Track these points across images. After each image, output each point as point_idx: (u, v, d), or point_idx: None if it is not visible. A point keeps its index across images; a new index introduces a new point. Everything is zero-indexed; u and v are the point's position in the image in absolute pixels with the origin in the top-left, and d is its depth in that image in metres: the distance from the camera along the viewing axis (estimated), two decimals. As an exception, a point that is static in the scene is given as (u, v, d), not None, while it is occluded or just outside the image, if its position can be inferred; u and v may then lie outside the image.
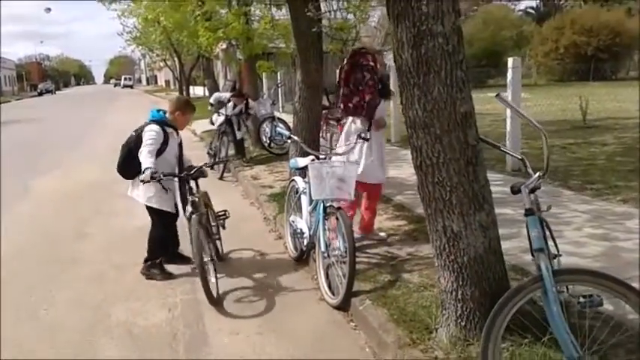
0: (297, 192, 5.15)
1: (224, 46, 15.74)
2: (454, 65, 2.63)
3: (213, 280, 4.33)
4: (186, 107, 4.85)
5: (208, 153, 10.20)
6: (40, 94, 64.59)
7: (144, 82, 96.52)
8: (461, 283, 2.94)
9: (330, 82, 9.03)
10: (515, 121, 7.60)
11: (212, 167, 6.39)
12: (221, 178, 9.22)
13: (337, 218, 4.29)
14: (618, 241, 4.69)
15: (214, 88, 16.17)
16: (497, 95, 2.83)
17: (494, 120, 12.34)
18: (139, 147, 4.48)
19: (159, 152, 4.52)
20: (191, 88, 37.38)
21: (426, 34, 2.56)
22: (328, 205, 4.41)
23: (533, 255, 2.56)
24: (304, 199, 4.91)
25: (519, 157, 3.02)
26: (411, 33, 2.58)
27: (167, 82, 64.67)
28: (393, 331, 3.41)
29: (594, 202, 5.92)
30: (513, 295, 2.40)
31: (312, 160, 4.71)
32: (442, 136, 2.71)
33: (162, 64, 42.83)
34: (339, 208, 4.31)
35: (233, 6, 9.34)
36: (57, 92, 72.04)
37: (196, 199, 4.55)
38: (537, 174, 2.67)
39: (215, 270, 4.42)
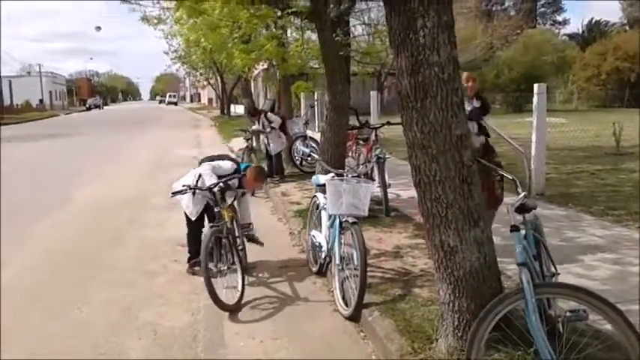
0: (317, 207, 5.39)
1: (265, 66, 16.26)
2: (449, 92, 2.86)
3: (226, 286, 4.62)
4: (257, 179, 5.43)
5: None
6: (89, 108, 67.07)
7: (188, 99, 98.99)
8: (457, 295, 3.12)
9: (360, 103, 9.30)
10: (540, 146, 7.69)
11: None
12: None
13: (352, 233, 4.52)
14: (630, 266, 4.77)
15: (252, 107, 16.68)
16: (484, 117, 3.04)
17: (521, 144, 12.32)
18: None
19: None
20: (232, 106, 38.32)
21: (423, 63, 2.81)
22: (344, 220, 4.64)
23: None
24: (324, 215, 5.15)
25: (511, 178, 3.19)
26: (410, 62, 2.83)
27: (210, 100, 66.26)
28: (397, 340, 3.61)
29: (613, 228, 5.97)
30: (496, 305, 2.59)
31: (333, 177, 4.96)
32: (438, 156, 2.93)
33: (205, 82, 44.00)
34: (354, 223, 4.53)
35: (270, 29, 9.73)
36: (105, 107, 74.56)
37: (219, 211, 4.86)
38: (522, 194, 2.85)
39: (243, 277, 4.71)
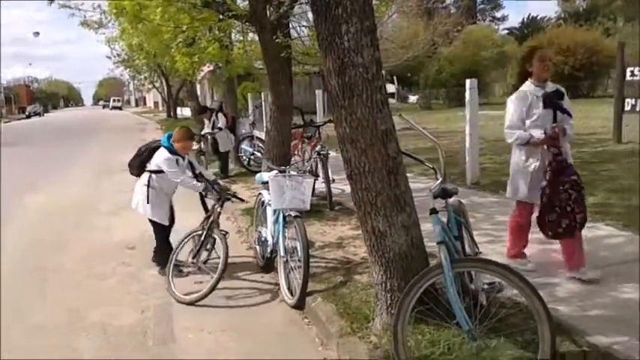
0: (263, 204, 5.61)
1: (211, 67, 16.29)
2: (374, 90, 3.13)
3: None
4: (184, 139, 5.35)
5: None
6: (29, 116, 64.84)
7: (133, 103, 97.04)
8: (389, 275, 3.41)
9: (308, 102, 9.52)
10: (474, 138, 8.12)
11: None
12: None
13: (295, 226, 4.76)
14: (550, 244, 5.17)
15: (198, 109, 16.70)
16: (400, 115, 3.33)
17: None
18: (149, 158, 5.45)
19: (162, 171, 5.28)
20: (179, 109, 37.94)
21: (349, 65, 3.07)
22: (287, 214, 4.88)
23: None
24: (269, 211, 5.36)
25: (431, 167, 3.49)
26: (337, 64, 3.09)
27: (156, 104, 65.28)
28: (338, 322, 3.88)
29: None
30: (418, 280, 2.88)
31: (276, 174, 5.18)
32: (366, 149, 3.20)
33: (150, 86, 43.38)
34: (296, 217, 4.77)
35: (213, 31, 9.84)
36: (45, 114, 72.26)
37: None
38: (439, 180, 3.15)
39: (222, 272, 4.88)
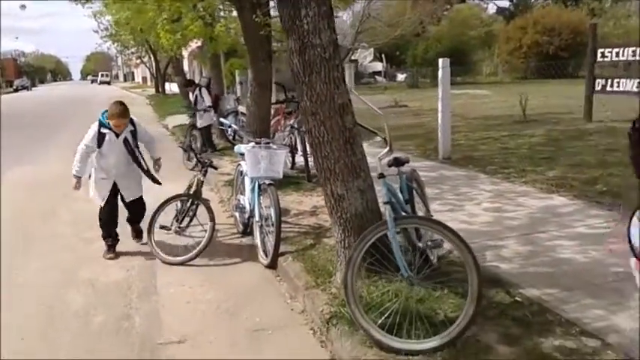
0: (241, 174, 6.01)
1: (199, 44, 16.51)
2: (331, 68, 3.52)
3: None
4: (115, 116, 5.19)
5: (181, 147, 11.00)
6: (16, 90, 64.41)
7: (121, 78, 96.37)
8: (347, 234, 3.83)
9: (289, 79, 9.79)
10: (445, 115, 8.53)
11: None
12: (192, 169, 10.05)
13: (269, 193, 5.18)
14: (505, 212, 5.65)
15: (184, 84, 16.96)
16: (350, 89, 3.73)
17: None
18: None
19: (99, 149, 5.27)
20: (167, 84, 38.00)
21: (308, 45, 3.45)
22: (262, 182, 5.29)
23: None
24: (247, 180, 5.76)
25: (383, 137, 3.88)
26: (297, 44, 3.47)
27: (144, 79, 65.00)
28: (304, 278, 4.32)
29: (501, 184, 6.88)
30: (367, 235, 3.30)
31: (253, 146, 5.57)
32: (325, 121, 3.60)
33: (138, 61, 43.26)
34: (270, 185, 5.19)
35: (198, 9, 10.11)
36: (33, 88, 71.75)
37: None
38: (386, 149, 3.55)
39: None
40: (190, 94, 11.52)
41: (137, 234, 5.86)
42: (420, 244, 3.75)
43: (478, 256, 4.32)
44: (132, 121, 5.40)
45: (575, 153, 8.42)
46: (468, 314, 3.10)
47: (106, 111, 5.27)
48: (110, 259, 5.39)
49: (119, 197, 5.54)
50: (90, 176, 5.51)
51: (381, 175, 3.44)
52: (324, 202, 3.99)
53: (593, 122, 11.58)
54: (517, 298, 3.68)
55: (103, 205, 5.44)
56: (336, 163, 3.69)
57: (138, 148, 5.51)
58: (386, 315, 3.24)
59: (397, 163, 3.85)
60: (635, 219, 2.38)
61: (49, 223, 6.74)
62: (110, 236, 5.52)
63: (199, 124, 10.94)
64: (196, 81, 12.43)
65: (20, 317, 4.17)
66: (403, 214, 3.56)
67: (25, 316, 4.19)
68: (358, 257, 3.29)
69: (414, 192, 4.19)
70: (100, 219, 5.51)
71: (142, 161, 5.51)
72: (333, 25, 3.49)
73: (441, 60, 8.44)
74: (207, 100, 11.00)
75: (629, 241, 2.51)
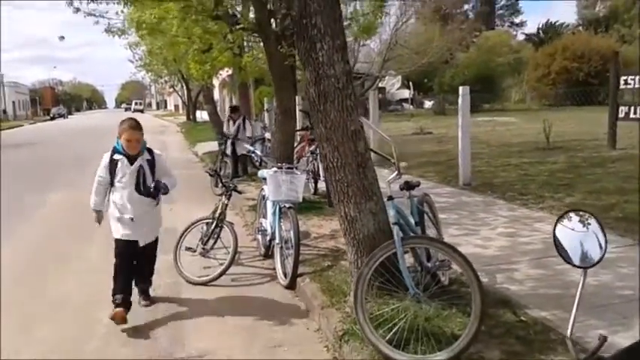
0: (264, 198, 6.26)
1: (230, 72, 17.05)
2: (344, 97, 3.77)
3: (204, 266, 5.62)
4: (125, 130, 4.46)
5: (208, 172, 11.35)
6: (53, 118, 66.54)
7: (154, 106, 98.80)
8: (359, 255, 4.03)
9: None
10: (465, 142, 8.69)
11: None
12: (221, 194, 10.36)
13: (289, 216, 5.41)
14: (520, 237, 5.76)
15: (214, 113, 17.50)
16: (361, 117, 3.95)
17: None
18: None
19: (112, 180, 4.55)
20: (198, 112, 38.89)
21: (323, 76, 3.71)
22: (283, 206, 5.53)
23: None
24: (269, 204, 6.01)
25: (393, 162, 4.07)
26: (313, 75, 3.74)
27: (176, 107, 66.54)
28: (320, 297, 4.52)
29: (518, 210, 6.99)
30: (376, 254, 3.50)
31: (275, 171, 5.84)
32: (339, 146, 3.84)
33: (170, 89, 44.43)
34: (290, 208, 5.42)
35: (227, 40, 10.55)
36: (69, 116, 74.02)
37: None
38: (395, 173, 3.75)
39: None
40: (231, 122, 11.79)
41: (145, 296, 4.90)
42: (429, 265, 3.91)
43: (490, 278, 4.51)
44: (150, 151, 4.63)
45: (594, 180, 8.46)
46: (472, 331, 3.25)
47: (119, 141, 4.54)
48: (121, 322, 4.40)
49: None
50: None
51: (390, 198, 3.65)
52: (339, 223, 4.20)
53: (616, 150, 11.56)
54: (523, 318, 3.81)
55: (119, 251, 4.63)
56: (349, 187, 3.90)
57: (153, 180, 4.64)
58: (394, 331, 3.41)
59: (408, 186, 4.05)
60: None
61: (84, 245, 7.08)
62: (123, 292, 4.55)
63: (238, 151, 11.27)
64: (225, 110, 12.84)
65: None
66: (412, 234, 3.75)
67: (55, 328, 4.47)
68: (368, 275, 3.48)
69: (426, 215, 4.36)
70: (115, 270, 4.66)
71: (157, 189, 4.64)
72: (346, 57, 3.74)
73: (461, 88, 8.64)
74: (249, 131, 11.41)
75: None
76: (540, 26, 58.19)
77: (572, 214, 1.43)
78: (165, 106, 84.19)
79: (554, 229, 1.43)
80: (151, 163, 4.60)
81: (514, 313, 3.88)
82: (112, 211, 4.63)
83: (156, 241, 4.89)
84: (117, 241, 4.63)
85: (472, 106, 26.31)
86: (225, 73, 18.42)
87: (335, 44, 3.70)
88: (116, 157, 4.50)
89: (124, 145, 4.45)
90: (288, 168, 5.73)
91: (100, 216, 4.76)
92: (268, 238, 5.94)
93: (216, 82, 24.51)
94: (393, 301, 3.73)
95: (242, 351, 3.99)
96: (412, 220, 4.00)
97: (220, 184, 5.99)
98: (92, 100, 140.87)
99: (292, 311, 4.70)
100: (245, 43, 11.63)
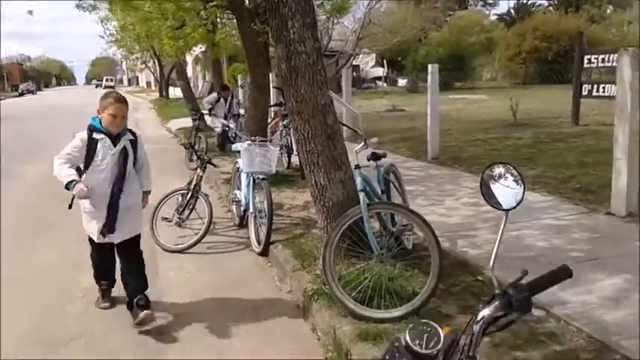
0: (238, 171, 6.47)
1: (203, 49, 17.02)
2: (315, 72, 3.99)
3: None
4: (110, 104, 3.79)
5: (184, 145, 11.48)
6: (22, 94, 65.09)
7: (125, 83, 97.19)
8: (329, 221, 4.28)
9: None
10: (434, 118, 8.98)
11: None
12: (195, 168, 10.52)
13: (262, 187, 5.64)
14: (482, 207, 6.08)
15: (187, 89, 17.48)
16: (329, 91, 4.17)
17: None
18: None
19: (87, 163, 3.83)
20: (171, 89, 38.51)
21: (294, 53, 3.92)
22: (256, 177, 5.76)
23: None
24: (243, 176, 6.22)
25: (361, 133, 4.31)
26: (285, 51, 3.94)
27: (148, 84, 65.69)
28: (292, 262, 4.78)
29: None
30: (343, 219, 3.76)
31: (249, 144, 6.04)
32: (309, 119, 4.06)
33: (142, 65, 43.84)
34: (263, 179, 5.65)
35: (200, 17, 10.60)
36: (38, 92, 72.50)
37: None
38: (362, 144, 4.01)
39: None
40: (222, 100, 11.86)
41: (139, 303, 3.98)
42: (393, 229, 4.19)
43: (451, 244, 4.83)
44: (131, 131, 4.04)
45: (556, 154, 8.86)
46: (430, 288, 3.55)
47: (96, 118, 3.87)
48: (105, 308, 4.25)
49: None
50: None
51: (357, 167, 3.91)
52: (310, 192, 4.44)
53: (579, 126, 12.02)
54: (479, 278, 4.13)
55: (94, 244, 4.10)
56: (320, 157, 4.15)
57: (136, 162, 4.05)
58: (359, 289, 3.69)
59: (375, 157, 4.31)
60: None
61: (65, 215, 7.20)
62: (105, 279, 4.30)
63: (214, 126, 11.37)
64: (200, 86, 12.91)
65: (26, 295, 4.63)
66: (377, 201, 4.02)
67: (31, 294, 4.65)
68: (335, 238, 3.74)
69: (392, 184, 4.64)
70: (91, 259, 4.29)
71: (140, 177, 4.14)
72: (316, 35, 3.96)
73: (430, 66, 8.90)
74: (235, 109, 11.57)
75: None
76: (512, 6, 58.85)
77: (495, 167, 1.67)
78: (137, 83, 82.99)
79: (481, 179, 1.69)
80: (134, 145, 3.98)
81: (471, 274, 4.19)
82: (84, 202, 3.89)
83: (137, 238, 4.15)
84: (91, 240, 4.09)
85: (444, 84, 26.79)
86: (199, 49, 18.38)
87: (305, 22, 3.90)
88: (96, 135, 3.78)
89: (108, 121, 3.74)
90: (262, 141, 5.92)
91: (84, 189, 3.70)
92: (242, 208, 6.17)
93: (189, 58, 24.39)
94: (360, 262, 4.01)
95: (218, 311, 4.23)
96: (378, 188, 4.26)
97: (195, 157, 6.16)
98: (61, 76, 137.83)
99: (265, 276, 4.96)
100: (218, 20, 11.68)
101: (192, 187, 6.03)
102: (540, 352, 3.12)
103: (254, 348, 3.67)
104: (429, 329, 1.41)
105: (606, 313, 3.49)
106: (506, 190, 1.60)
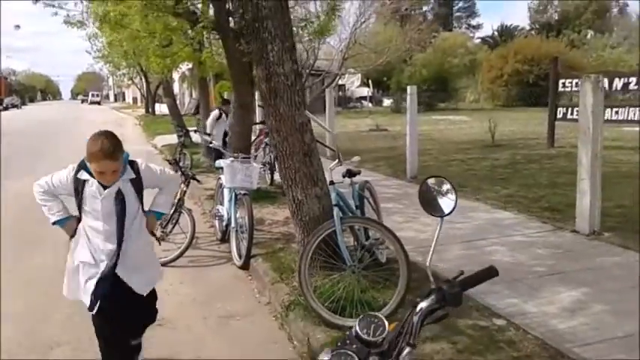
0: (221, 186, 6.67)
1: (190, 66, 17.24)
2: (293, 93, 4.23)
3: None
4: (95, 157, 2.85)
5: (168, 161, 11.63)
6: (6, 108, 64.70)
7: (112, 98, 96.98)
8: (305, 234, 4.49)
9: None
10: (412, 138, 9.26)
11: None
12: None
13: (243, 203, 5.84)
14: (454, 224, 6.32)
15: (174, 106, 17.70)
16: (306, 111, 4.39)
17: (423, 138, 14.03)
18: None
19: (78, 206, 3.06)
20: (157, 105, 38.68)
21: (273, 74, 4.16)
22: (238, 193, 5.96)
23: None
24: (226, 192, 6.42)
25: (334, 150, 4.53)
26: (264, 73, 4.18)
27: (135, 99, 65.69)
28: (271, 275, 4.97)
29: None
30: (318, 231, 3.98)
31: (232, 160, 6.25)
32: (287, 137, 4.29)
33: (129, 81, 43.96)
34: (245, 194, 5.86)
35: (187, 36, 10.83)
36: (23, 107, 72.14)
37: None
38: (336, 161, 4.24)
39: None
40: (224, 116, 11.95)
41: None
42: (366, 243, 4.41)
43: (423, 257, 5.05)
44: (133, 164, 3.10)
45: (530, 175, 9.17)
46: (399, 298, 3.78)
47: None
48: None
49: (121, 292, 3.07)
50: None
51: (331, 183, 4.14)
52: (288, 207, 4.65)
53: (555, 148, 12.39)
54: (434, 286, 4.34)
55: (94, 313, 3.06)
56: (297, 173, 4.37)
57: (142, 204, 3.18)
58: (332, 300, 3.90)
59: (349, 174, 4.54)
60: None
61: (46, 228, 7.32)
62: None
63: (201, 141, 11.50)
64: (186, 103, 13.11)
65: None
66: (350, 215, 4.24)
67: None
68: (310, 251, 3.96)
69: (367, 200, 4.87)
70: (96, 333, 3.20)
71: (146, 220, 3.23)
72: (294, 57, 4.20)
73: (409, 88, 9.20)
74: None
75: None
76: (496, 29, 60.07)
77: (432, 180, 1.90)
78: (124, 99, 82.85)
79: (419, 190, 1.91)
80: (136, 183, 3.07)
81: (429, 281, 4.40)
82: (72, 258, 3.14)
83: (152, 295, 3.35)
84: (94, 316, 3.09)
85: (428, 105, 27.19)
86: (185, 66, 18.60)
87: (284, 46, 4.15)
88: (82, 175, 2.98)
89: (95, 174, 2.92)
90: (244, 158, 6.14)
91: (71, 225, 3.16)
92: (225, 223, 6.36)
93: (176, 75, 24.59)
94: (334, 274, 4.22)
95: (198, 320, 4.41)
96: (353, 204, 4.49)
97: (180, 173, 6.35)
98: (47, 90, 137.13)
99: (245, 288, 5.15)
100: (205, 39, 11.94)
101: (175, 201, 6.20)
102: (498, 357, 3.34)
103: (231, 355, 3.85)
104: (376, 320, 1.62)
105: (562, 322, 3.73)
106: (442, 199, 1.82)
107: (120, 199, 2.98)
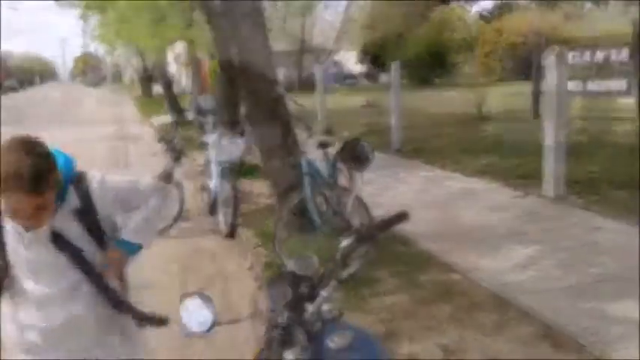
0: (208, 161, 6.99)
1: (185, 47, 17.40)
2: (267, 67, 4.53)
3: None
4: (10, 187, 1.66)
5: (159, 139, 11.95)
6: (11, 89, 64.79)
7: (109, 79, 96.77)
8: (282, 202, 4.83)
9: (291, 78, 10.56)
10: (397, 112, 9.55)
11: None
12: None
13: (230, 175, 6.18)
14: (429, 192, 6.70)
15: (168, 87, 17.89)
16: (291, 99, 4.70)
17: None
18: None
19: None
20: (154, 86, 38.71)
21: (246, 50, 4.46)
22: (224, 166, 6.28)
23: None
24: (213, 165, 6.75)
25: (309, 125, 4.83)
26: (237, 49, 4.48)
27: (132, 80, 65.60)
28: (253, 240, 5.33)
29: (434, 170, 7.95)
30: (290, 197, 4.33)
31: (217, 135, 6.57)
32: (263, 110, 4.61)
33: (125, 62, 44.00)
34: (231, 168, 6.19)
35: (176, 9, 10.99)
36: (21, 89, 72.19)
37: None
38: (307, 132, 4.55)
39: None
40: None
41: None
42: (336, 208, 4.75)
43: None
44: (80, 184, 1.92)
45: (511, 146, 9.44)
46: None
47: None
48: None
49: None
50: None
51: (302, 153, 4.46)
52: (266, 176, 4.99)
53: (538, 119, 12.63)
54: (412, 250, 4.71)
55: None
56: (273, 144, 4.69)
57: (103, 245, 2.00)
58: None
59: (323, 145, 4.86)
60: None
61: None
62: None
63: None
64: (183, 83, 13.34)
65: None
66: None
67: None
68: (284, 214, 4.30)
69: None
70: None
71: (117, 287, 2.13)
72: (266, 34, 4.53)
73: (392, 64, 9.45)
74: None
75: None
76: (495, 3, 59.42)
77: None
78: (121, 79, 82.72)
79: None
80: (86, 216, 1.92)
81: (403, 245, 4.77)
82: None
83: None
84: None
85: (424, 80, 27.41)
86: (181, 46, 18.78)
87: (257, 21, 4.45)
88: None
89: (6, 212, 1.79)
90: (231, 131, 6.46)
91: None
92: (212, 195, 6.69)
93: (171, 57, 24.76)
94: (306, 235, 4.57)
95: (179, 283, 4.76)
96: (325, 173, 4.81)
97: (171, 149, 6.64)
98: (44, 73, 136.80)
99: (229, 254, 5.51)
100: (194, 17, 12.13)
101: (164, 175, 6.51)
102: (451, 305, 3.70)
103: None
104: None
105: (513, 276, 4.09)
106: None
107: (60, 245, 1.85)
